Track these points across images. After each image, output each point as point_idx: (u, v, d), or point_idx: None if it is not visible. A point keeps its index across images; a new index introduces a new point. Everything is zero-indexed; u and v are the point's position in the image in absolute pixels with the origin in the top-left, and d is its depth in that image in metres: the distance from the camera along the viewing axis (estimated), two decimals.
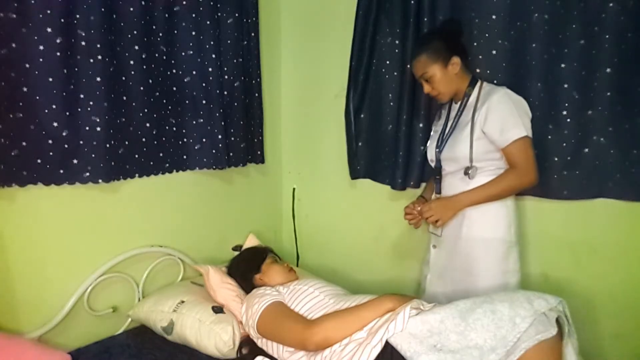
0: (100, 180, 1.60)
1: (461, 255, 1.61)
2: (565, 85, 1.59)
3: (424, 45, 1.62)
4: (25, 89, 1.42)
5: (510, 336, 1.17)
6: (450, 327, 1.24)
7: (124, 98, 1.68)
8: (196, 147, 1.97)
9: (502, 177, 1.53)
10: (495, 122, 1.50)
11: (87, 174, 1.57)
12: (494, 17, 1.68)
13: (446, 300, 1.53)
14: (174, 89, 1.88)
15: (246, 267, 1.75)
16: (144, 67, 1.73)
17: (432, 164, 1.72)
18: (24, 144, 1.44)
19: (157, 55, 1.79)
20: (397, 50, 1.93)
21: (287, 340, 1.43)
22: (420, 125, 1.87)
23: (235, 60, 2.03)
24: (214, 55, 1.92)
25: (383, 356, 1.24)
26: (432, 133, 1.80)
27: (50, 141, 1.49)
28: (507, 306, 1.22)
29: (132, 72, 1.70)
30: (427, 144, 1.78)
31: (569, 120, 1.61)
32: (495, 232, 1.57)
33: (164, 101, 1.84)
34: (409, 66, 1.67)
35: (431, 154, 1.73)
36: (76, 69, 1.52)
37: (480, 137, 1.54)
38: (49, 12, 1.43)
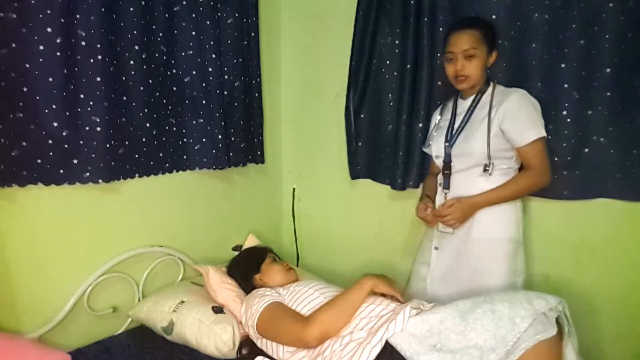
0: (100, 180, 1.60)
1: (470, 255, 1.59)
2: (565, 85, 1.59)
3: (481, 22, 1.57)
4: (25, 89, 1.42)
5: (510, 336, 1.17)
6: (450, 327, 1.24)
7: (124, 98, 1.68)
8: (196, 147, 1.97)
9: (519, 178, 1.54)
10: (515, 121, 1.50)
11: (87, 174, 1.57)
12: (494, 17, 1.68)
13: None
14: (174, 89, 1.88)
15: (246, 268, 1.76)
16: (144, 67, 1.73)
17: (438, 160, 1.69)
18: (24, 144, 1.44)
19: (157, 55, 1.79)
20: (397, 50, 1.93)
21: (286, 340, 1.43)
22: (420, 125, 1.87)
23: (235, 60, 2.03)
24: (214, 55, 1.92)
25: (383, 356, 1.24)
26: (433, 128, 1.77)
27: (50, 141, 1.49)
28: (507, 306, 1.22)
29: (132, 72, 1.70)
30: (431, 139, 1.74)
31: (569, 120, 1.60)
32: (505, 232, 1.57)
33: (164, 101, 1.84)
34: (450, 36, 1.57)
35: (439, 149, 1.69)
36: (76, 69, 1.52)
37: (496, 135, 1.53)
38: (49, 12, 1.43)
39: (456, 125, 1.66)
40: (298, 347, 1.41)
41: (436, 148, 1.71)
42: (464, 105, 1.67)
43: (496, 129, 1.54)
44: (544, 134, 1.50)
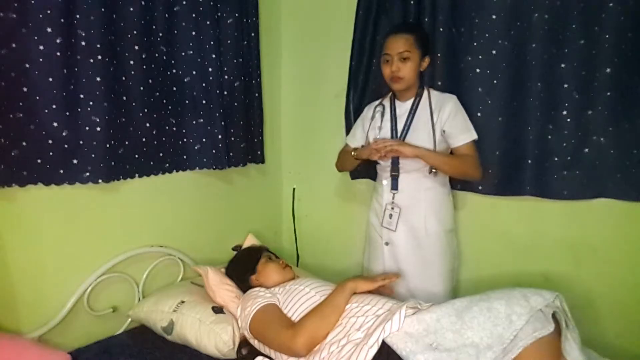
0: (100, 180, 1.60)
1: (422, 249, 1.71)
2: (565, 85, 1.59)
3: (415, 28, 1.71)
4: (25, 89, 1.42)
5: (507, 333, 1.17)
6: (446, 326, 1.24)
7: (124, 98, 1.68)
8: (196, 147, 1.97)
9: (465, 159, 1.66)
10: (458, 122, 1.65)
11: (87, 174, 1.57)
12: (494, 17, 1.68)
13: (409, 295, 1.67)
14: (174, 89, 1.88)
15: (242, 269, 1.75)
16: (144, 67, 1.73)
17: (384, 161, 1.75)
18: (24, 144, 1.44)
19: (157, 55, 1.79)
20: None
21: (275, 346, 1.43)
22: None
23: (235, 60, 2.03)
24: (214, 55, 1.92)
25: (379, 356, 1.24)
26: (367, 130, 1.81)
27: (50, 141, 1.49)
28: (503, 304, 1.23)
29: (132, 72, 1.70)
30: (373, 142, 1.73)
31: (569, 120, 1.61)
32: (447, 224, 1.74)
33: (164, 101, 1.84)
34: (387, 39, 1.67)
35: None
36: (76, 69, 1.52)
37: (440, 137, 1.66)
38: (49, 12, 1.43)
39: (400, 127, 1.73)
40: (287, 354, 1.41)
41: None
42: (403, 107, 1.74)
43: (439, 131, 1.66)
44: (476, 137, 1.66)
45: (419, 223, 1.71)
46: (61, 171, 1.53)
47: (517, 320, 1.18)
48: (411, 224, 1.71)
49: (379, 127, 1.78)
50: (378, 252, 1.81)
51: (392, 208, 1.73)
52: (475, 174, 1.68)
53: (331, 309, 1.42)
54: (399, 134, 1.72)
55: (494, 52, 1.70)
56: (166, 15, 1.79)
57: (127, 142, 1.71)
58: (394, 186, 1.73)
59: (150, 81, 1.76)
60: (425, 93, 1.72)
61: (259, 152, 2.26)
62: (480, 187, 1.79)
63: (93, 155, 1.57)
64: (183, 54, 1.87)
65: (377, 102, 1.84)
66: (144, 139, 1.77)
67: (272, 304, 1.51)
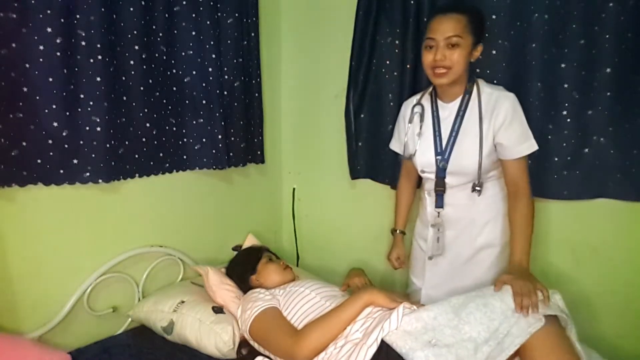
0: (100, 180, 1.60)
1: (472, 264, 1.57)
2: (565, 85, 1.59)
3: (469, 9, 1.40)
4: (25, 89, 1.42)
5: (502, 328, 1.19)
6: (443, 323, 1.26)
7: (124, 98, 1.68)
8: (196, 147, 1.97)
9: (530, 217, 1.42)
10: (509, 132, 1.41)
11: (87, 174, 1.57)
12: (494, 17, 1.68)
13: None
14: (174, 89, 1.88)
15: (242, 269, 1.75)
16: (144, 67, 1.73)
17: (425, 175, 1.57)
18: (24, 144, 1.44)
19: (157, 55, 1.79)
20: (397, 50, 1.93)
21: (276, 352, 1.42)
22: None
23: (235, 60, 2.03)
24: (214, 55, 1.92)
25: (379, 355, 1.24)
26: (405, 134, 1.61)
27: (50, 141, 1.49)
28: (498, 299, 1.24)
29: (132, 72, 1.70)
30: (413, 148, 1.59)
31: (569, 120, 1.60)
32: (503, 238, 1.55)
33: (164, 101, 1.84)
34: (432, 20, 1.43)
35: (428, 163, 1.55)
36: (76, 69, 1.52)
37: (490, 149, 1.44)
38: (49, 12, 1.43)
39: (444, 135, 1.50)
40: (286, 359, 1.40)
41: (423, 161, 1.56)
42: (447, 109, 1.52)
43: (490, 143, 1.43)
44: (536, 147, 1.43)
45: (470, 237, 1.54)
46: (61, 171, 1.53)
47: (512, 316, 1.20)
48: (460, 239, 1.56)
49: (418, 134, 1.53)
50: (419, 266, 1.68)
51: (438, 230, 1.54)
52: (532, 205, 1.42)
53: (340, 322, 1.36)
54: (444, 144, 1.48)
55: (494, 52, 1.69)
56: (166, 15, 1.79)
57: (127, 142, 1.71)
58: (440, 204, 1.52)
59: (150, 81, 1.76)
60: (475, 90, 1.45)
61: (259, 152, 2.26)
62: None
63: (93, 155, 1.57)
64: (183, 54, 1.87)
65: (415, 100, 1.61)
66: (144, 139, 1.77)
67: (272, 307, 1.50)
